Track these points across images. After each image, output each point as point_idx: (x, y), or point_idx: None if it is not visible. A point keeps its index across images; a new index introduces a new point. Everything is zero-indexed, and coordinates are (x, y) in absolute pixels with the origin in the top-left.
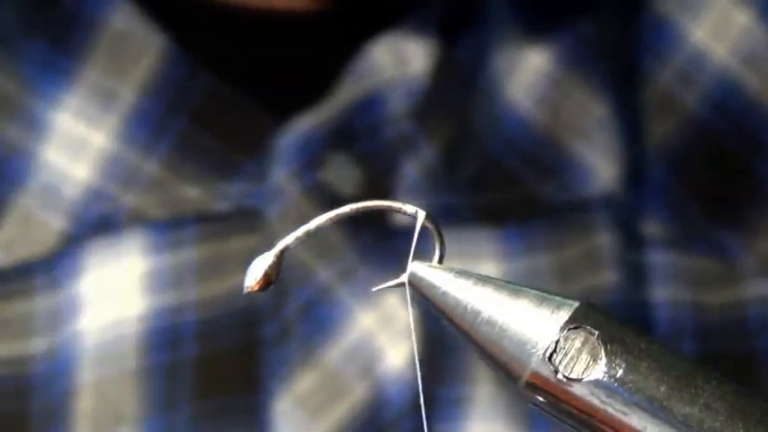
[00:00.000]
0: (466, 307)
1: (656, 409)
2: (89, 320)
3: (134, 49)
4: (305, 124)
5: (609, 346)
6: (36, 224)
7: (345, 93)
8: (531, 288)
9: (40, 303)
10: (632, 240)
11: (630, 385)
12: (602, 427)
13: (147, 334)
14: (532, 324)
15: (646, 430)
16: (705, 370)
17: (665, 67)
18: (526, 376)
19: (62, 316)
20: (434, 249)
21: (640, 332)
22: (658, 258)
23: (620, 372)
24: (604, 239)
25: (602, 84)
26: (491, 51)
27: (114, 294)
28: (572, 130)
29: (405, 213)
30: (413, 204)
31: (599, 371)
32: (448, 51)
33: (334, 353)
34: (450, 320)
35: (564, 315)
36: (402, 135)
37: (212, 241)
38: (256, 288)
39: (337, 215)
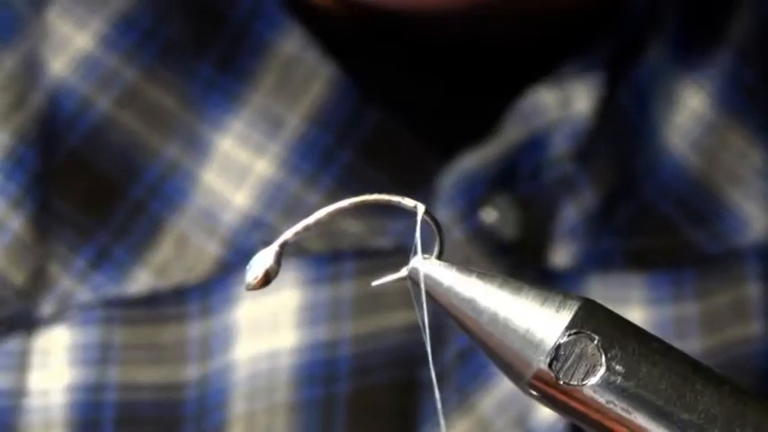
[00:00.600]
0: (470, 304)
1: (654, 416)
2: (242, 351)
3: (303, 75)
4: (469, 164)
5: (609, 353)
6: (192, 248)
7: (510, 133)
8: (533, 286)
9: (194, 330)
10: None
11: (629, 392)
12: (602, 427)
13: (300, 368)
14: (535, 325)
15: None
16: (706, 373)
17: None
18: (528, 378)
19: (215, 344)
20: (435, 244)
21: (642, 334)
22: None
23: (619, 379)
24: (754, 290)
25: (758, 129)
26: (650, 92)
27: (268, 325)
28: (727, 177)
29: (404, 207)
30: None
31: (598, 377)
32: (610, 92)
33: (488, 402)
34: (454, 317)
35: (565, 317)
36: (564, 178)
37: (370, 277)
38: (257, 285)
39: (336, 209)
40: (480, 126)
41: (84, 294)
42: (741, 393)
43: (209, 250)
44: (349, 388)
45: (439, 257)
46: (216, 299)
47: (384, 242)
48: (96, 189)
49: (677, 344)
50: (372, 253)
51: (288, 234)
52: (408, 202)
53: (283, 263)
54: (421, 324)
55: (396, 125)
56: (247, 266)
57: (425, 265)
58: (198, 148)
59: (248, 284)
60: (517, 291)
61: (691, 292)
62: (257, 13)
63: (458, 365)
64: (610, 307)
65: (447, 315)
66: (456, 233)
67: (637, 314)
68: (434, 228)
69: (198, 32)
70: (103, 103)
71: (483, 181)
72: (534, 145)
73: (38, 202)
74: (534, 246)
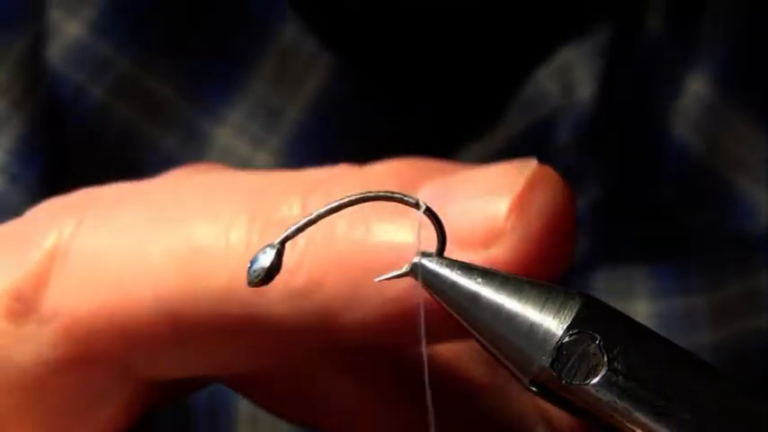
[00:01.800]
0: (471, 301)
1: (656, 415)
2: None
3: (302, 64)
4: (473, 155)
5: (611, 353)
6: None
7: (514, 123)
8: (535, 282)
9: None
10: None
11: (631, 392)
12: (605, 425)
13: None
14: (537, 324)
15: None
16: (709, 372)
17: None
18: (530, 378)
19: None
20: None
21: (644, 333)
22: None
23: (621, 379)
24: (765, 280)
25: (762, 113)
26: (651, 76)
27: None
28: (732, 163)
29: (405, 203)
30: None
31: (599, 377)
32: (612, 78)
33: None
34: (456, 314)
35: (567, 317)
36: (567, 168)
37: None
38: (259, 283)
39: (339, 206)
40: (483, 115)
41: None
42: (743, 392)
43: None
44: None
45: (440, 254)
46: None
47: None
48: (96, 183)
49: (685, 337)
50: None
51: (290, 231)
52: (410, 198)
53: None
54: (420, 327)
55: (397, 116)
56: (249, 263)
57: (427, 262)
58: (195, 139)
59: (250, 282)
60: (519, 289)
61: (698, 282)
62: None
63: None
64: (615, 300)
65: (450, 311)
66: None
67: (642, 307)
68: (435, 225)
69: (191, 19)
70: (97, 93)
71: None
72: (537, 134)
73: (53, 192)
74: None
